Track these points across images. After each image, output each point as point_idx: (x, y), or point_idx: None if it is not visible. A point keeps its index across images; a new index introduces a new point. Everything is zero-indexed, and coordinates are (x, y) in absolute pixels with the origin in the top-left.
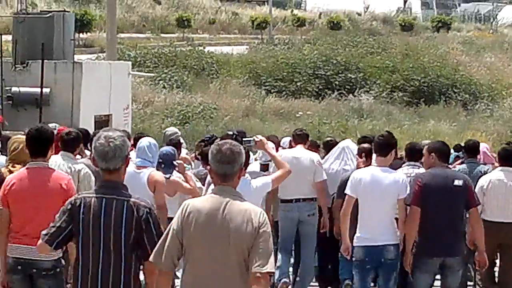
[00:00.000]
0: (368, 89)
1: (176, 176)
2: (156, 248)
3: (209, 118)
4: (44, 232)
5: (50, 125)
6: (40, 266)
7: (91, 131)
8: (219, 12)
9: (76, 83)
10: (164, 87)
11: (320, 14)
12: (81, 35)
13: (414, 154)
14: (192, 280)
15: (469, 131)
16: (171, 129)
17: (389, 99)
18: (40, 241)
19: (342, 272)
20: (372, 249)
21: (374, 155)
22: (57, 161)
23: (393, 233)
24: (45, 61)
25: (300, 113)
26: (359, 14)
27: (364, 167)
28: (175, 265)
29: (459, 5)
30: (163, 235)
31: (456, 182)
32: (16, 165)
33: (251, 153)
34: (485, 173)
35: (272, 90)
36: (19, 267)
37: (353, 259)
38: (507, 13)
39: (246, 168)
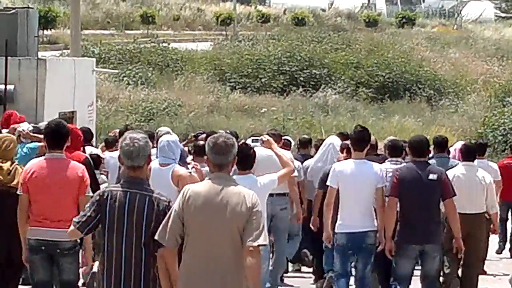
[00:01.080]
0: (333, 85)
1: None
2: (160, 228)
3: (173, 115)
4: (75, 219)
5: (41, 124)
6: (62, 246)
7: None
8: (183, 9)
9: (40, 79)
10: (128, 83)
11: (285, 10)
12: (45, 31)
13: (396, 150)
14: (192, 255)
15: (434, 127)
16: (164, 129)
17: (354, 95)
18: (72, 227)
19: (326, 263)
20: (353, 235)
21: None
22: None
23: (372, 220)
24: (8, 58)
25: (265, 109)
26: (324, 10)
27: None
28: (178, 243)
29: (423, 1)
30: (166, 217)
31: (431, 176)
32: (4, 161)
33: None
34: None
35: (237, 87)
36: (43, 247)
37: (335, 245)
38: (471, 9)
39: (251, 166)
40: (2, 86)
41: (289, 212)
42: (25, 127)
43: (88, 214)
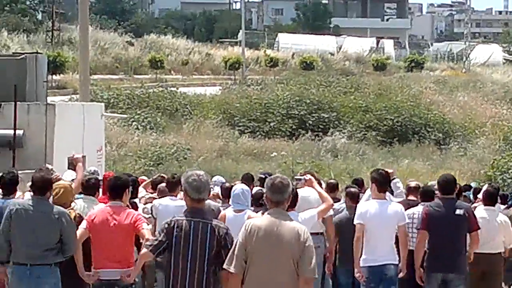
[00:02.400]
0: (342, 129)
1: None
2: (228, 256)
3: (182, 159)
4: (148, 243)
5: (91, 169)
6: (121, 284)
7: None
8: (192, 53)
9: (49, 124)
10: (137, 128)
11: (293, 54)
12: (54, 76)
13: (427, 195)
14: (254, 278)
15: (443, 170)
16: (218, 178)
17: (363, 138)
18: (144, 249)
19: None
20: (374, 268)
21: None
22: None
23: (393, 254)
24: (18, 103)
25: (274, 153)
26: (332, 54)
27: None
28: (243, 268)
29: (432, 44)
30: (233, 246)
31: (458, 212)
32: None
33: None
34: None
35: (246, 131)
36: (103, 285)
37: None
38: (479, 52)
39: (294, 205)
40: (11, 131)
41: (323, 250)
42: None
43: (159, 239)
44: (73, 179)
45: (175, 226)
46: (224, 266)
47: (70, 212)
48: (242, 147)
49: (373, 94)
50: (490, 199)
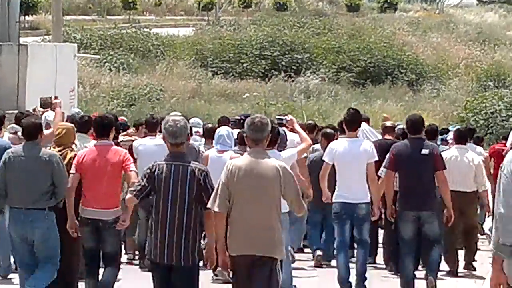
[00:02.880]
0: (315, 70)
1: None
2: (212, 196)
3: (155, 100)
4: (132, 189)
5: (74, 110)
6: (106, 221)
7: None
8: None
9: (22, 65)
10: (110, 69)
11: None
12: (26, 17)
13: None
14: (238, 215)
15: (415, 111)
16: (195, 120)
17: (336, 79)
18: (129, 195)
19: (312, 241)
20: (347, 205)
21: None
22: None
23: (364, 192)
24: None
25: (247, 94)
26: None
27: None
28: (226, 207)
29: None
30: (215, 187)
31: (423, 151)
32: (56, 147)
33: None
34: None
35: (219, 72)
36: (89, 221)
37: (332, 212)
38: None
39: (275, 144)
40: None
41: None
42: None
43: (142, 183)
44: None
45: (157, 170)
46: (208, 205)
47: (68, 152)
48: (215, 88)
49: (346, 35)
50: (460, 138)
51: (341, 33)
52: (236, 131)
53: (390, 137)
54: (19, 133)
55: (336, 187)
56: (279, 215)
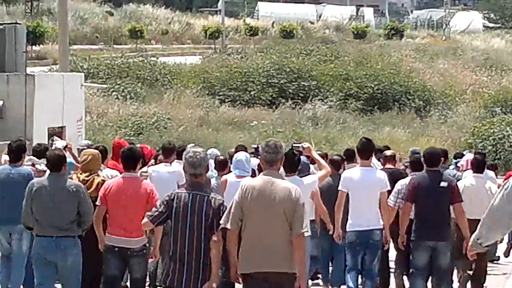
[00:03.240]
0: (322, 97)
1: None
2: (225, 215)
3: (163, 129)
4: (149, 213)
5: (84, 142)
6: (133, 249)
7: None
8: (172, 23)
9: (29, 95)
10: (117, 98)
11: (273, 23)
12: (33, 47)
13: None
14: (250, 234)
15: (423, 138)
16: (213, 151)
17: (343, 106)
18: (145, 219)
19: (334, 276)
20: (361, 233)
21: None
22: None
23: (377, 219)
24: None
25: (255, 122)
26: (312, 23)
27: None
28: (238, 225)
29: (412, 12)
30: (229, 205)
31: (442, 184)
32: (83, 173)
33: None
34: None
35: (226, 100)
36: (116, 249)
37: (346, 241)
38: (459, 20)
39: (296, 170)
40: None
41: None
42: (60, 144)
43: (160, 210)
44: (65, 146)
45: (175, 198)
46: (221, 222)
47: (95, 178)
48: (223, 116)
49: (353, 62)
50: (478, 167)
51: (348, 60)
52: (254, 160)
53: (391, 166)
54: (37, 166)
55: (349, 216)
56: (290, 234)
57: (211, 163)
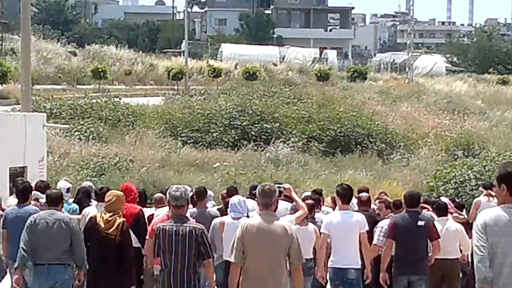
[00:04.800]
0: (285, 139)
1: None
2: (229, 249)
3: (125, 170)
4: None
5: (86, 183)
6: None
7: (6, 183)
8: (135, 63)
9: None
10: (79, 138)
11: (236, 64)
12: None
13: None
14: (251, 265)
15: (385, 180)
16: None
17: (306, 149)
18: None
19: None
20: (339, 270)
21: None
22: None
23: (355, 259)
24: None
25: (217, 164)
26: (275, 65)
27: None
28: (241, 258)
29: (375, 54)
30: (233, 240)
31: (419, 223)
32: (107, 212)
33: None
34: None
35: (188, 141)
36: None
37: (328, 278)
38: (422, 63)
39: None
40: None
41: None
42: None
43: (152, 243)
44: (67, 188)
45: (161, 231)
46: (227, 258)
47: (117, 218)
48: (185, 157)
49: (316, 104)
50: (440, 211)
51: (311, 102)
52: (249, 201)
53: (366, 209)
54: (41, 200)
55: (331, 255)
56: (286, 265)
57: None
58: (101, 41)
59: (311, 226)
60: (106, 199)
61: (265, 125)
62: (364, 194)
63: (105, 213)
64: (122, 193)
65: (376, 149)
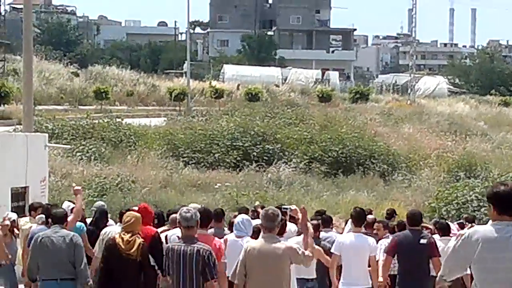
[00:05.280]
0: (287, 160)
1: None
2: (233, 270)
3: (127, 190)
4: (160, 269)
5: (99, 203)
6: None
7: (8, 203)
8: (137, 84)
9: None
10: (81, 159)
11: (238, 85)
12: None
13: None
14: (253, 286)
15: (387, 202)
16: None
17: (307, 170)
18: (160, 275)
19: None
20: None
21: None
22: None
23: (365, 279)
24: None
25: (218, 184)
26: (277, 86)
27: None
28: (243, 280)
29: (377, 76)
30: (236, 262)
31: (422, 241)
32: (126, 233)
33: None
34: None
35: (190, 162)
36: None
37: None
38: (424, 84)
39: (283, 233)
40: None
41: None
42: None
43: (165, 262)
44: (71, 208)
45: (170, 250)
46: (230, 278)
47: (136, 238)
48: (186, 178)
49: (318, 125)
50: (444, 230)
51: (313, 123)
52: (255, 221)
53: (369, 231)
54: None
55: (342, 275)
56: (289, 285)
57: None
58: (103, 61)
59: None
60: (125, 219)
61: (267, 146)
62: (369, 216)
63: (124, 234)
64: (139, 214)
65: (378, 170)
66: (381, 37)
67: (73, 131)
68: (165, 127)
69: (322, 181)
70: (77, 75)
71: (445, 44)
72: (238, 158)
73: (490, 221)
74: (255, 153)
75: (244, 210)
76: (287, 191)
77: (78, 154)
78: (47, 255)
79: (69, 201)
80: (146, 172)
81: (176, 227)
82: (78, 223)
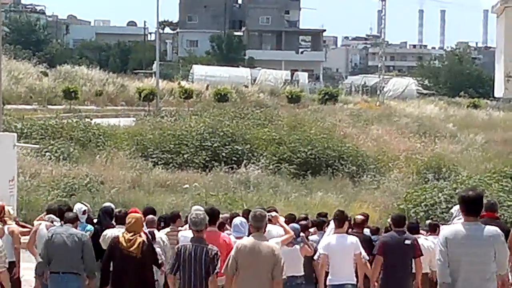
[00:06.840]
0: (256, 161)
1: None
2: (225, 264)
3: (95, 190)
4: (168, 268)
5: (78, 206)
6: None
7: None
8: (106, 84)
9: None
10: (50, 158)
11: (207, 86)
12: None
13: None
14: (242, 280)
15: (356, 203)
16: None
17: (276, 171)
18: (169, 274)
19: None
20: (336, 286)
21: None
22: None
23: (351, 275)
24: None
25: (187, 185)
26: (246, 86)
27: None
28: (233, 271)
29: (346, 77)
30: (228, 258)
31: (406, 241)
32: (128, 233)
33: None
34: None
35: (159, 162)
36: None
37: None
38: (393, 85)
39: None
40: None
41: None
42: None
43: (172, 262)
44: (83, 210)
45: (182, 250)
46: (223, 270)
47: (137, 238)
48: (155, 178)
49: (287, 126)
50: (412, 230)
51: (282, 124)
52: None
53: (359, 230)
54: (55, 223)
55: (329, 273)
56: (270, 280)
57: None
58: (72, 61)
59: (297, 246)
60: (127, 221)
61: (236, 146)
62: (359, 216)
63: (126, 233)
64: (140, 215)
65: (347, 171)
66: (350, 38)
67: (42, 130)
68: (134, 127)
69: (290, 182)
70: (46, 74)
71: (414, 46)
72: (207, 159)
73: (461, 220)
74: (224, 154)
75: (247, 213)
76: (256, 192)
77: (47, 154)
78: (56, 250)
79: (81, 202)
80: (115, 172)
81: (154, 227)
82: (88, 226)
